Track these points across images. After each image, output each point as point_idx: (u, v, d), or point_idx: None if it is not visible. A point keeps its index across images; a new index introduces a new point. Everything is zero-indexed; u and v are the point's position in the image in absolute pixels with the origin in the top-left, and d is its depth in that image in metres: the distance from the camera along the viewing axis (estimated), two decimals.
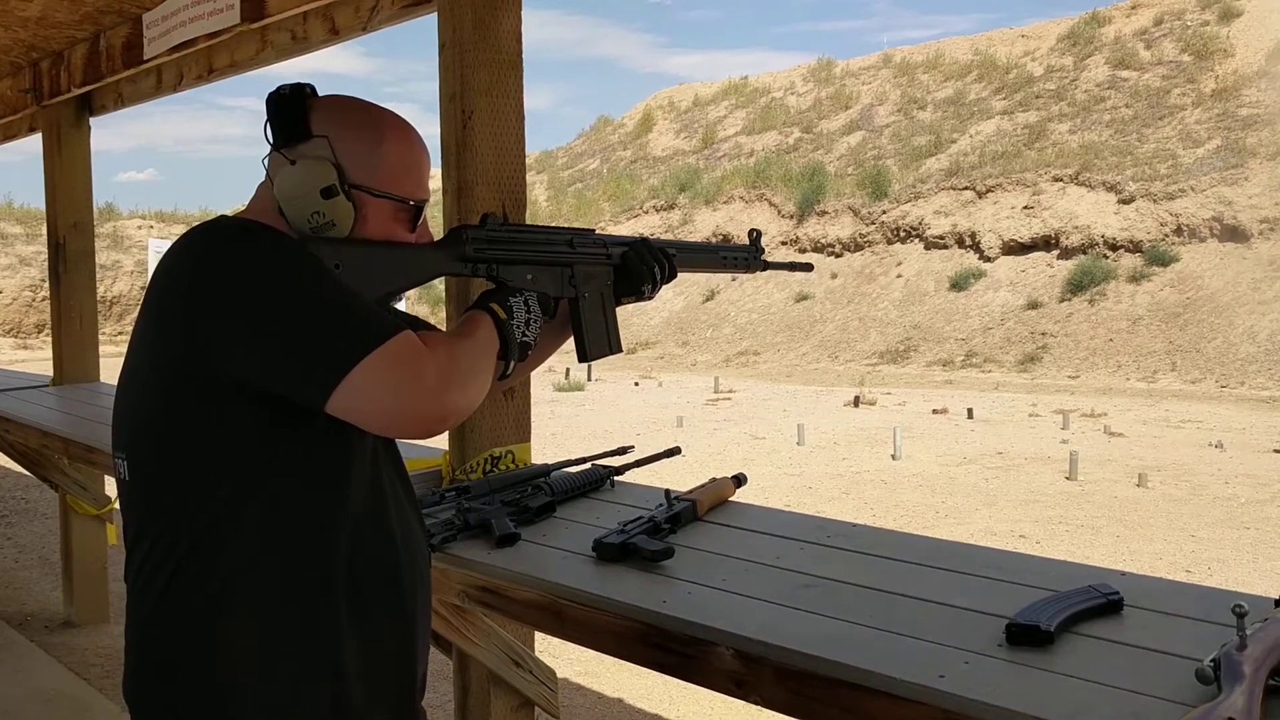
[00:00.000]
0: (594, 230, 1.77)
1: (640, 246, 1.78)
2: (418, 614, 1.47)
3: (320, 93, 1.44)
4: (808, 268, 2.23)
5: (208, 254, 1.29)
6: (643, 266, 1.76)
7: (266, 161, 1.41)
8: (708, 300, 22.89)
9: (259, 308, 1.24)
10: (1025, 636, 1.42)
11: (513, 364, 1.52)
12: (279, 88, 1.41)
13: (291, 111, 1.39)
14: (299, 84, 1.42)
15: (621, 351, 1.79)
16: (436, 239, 1.55)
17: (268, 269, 1.26)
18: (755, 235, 2.05)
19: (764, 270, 2.06)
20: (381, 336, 1.24)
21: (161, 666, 1.34)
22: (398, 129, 1.45)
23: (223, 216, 1.38)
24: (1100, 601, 1.51)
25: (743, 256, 2.01)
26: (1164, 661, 1.35)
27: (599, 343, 1.74)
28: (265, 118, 1.40)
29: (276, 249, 1.29)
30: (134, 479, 1.34)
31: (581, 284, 1.71)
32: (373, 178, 1.40)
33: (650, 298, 1.77)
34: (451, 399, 1.30)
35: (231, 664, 1.30)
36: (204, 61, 3.79)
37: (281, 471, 1.30)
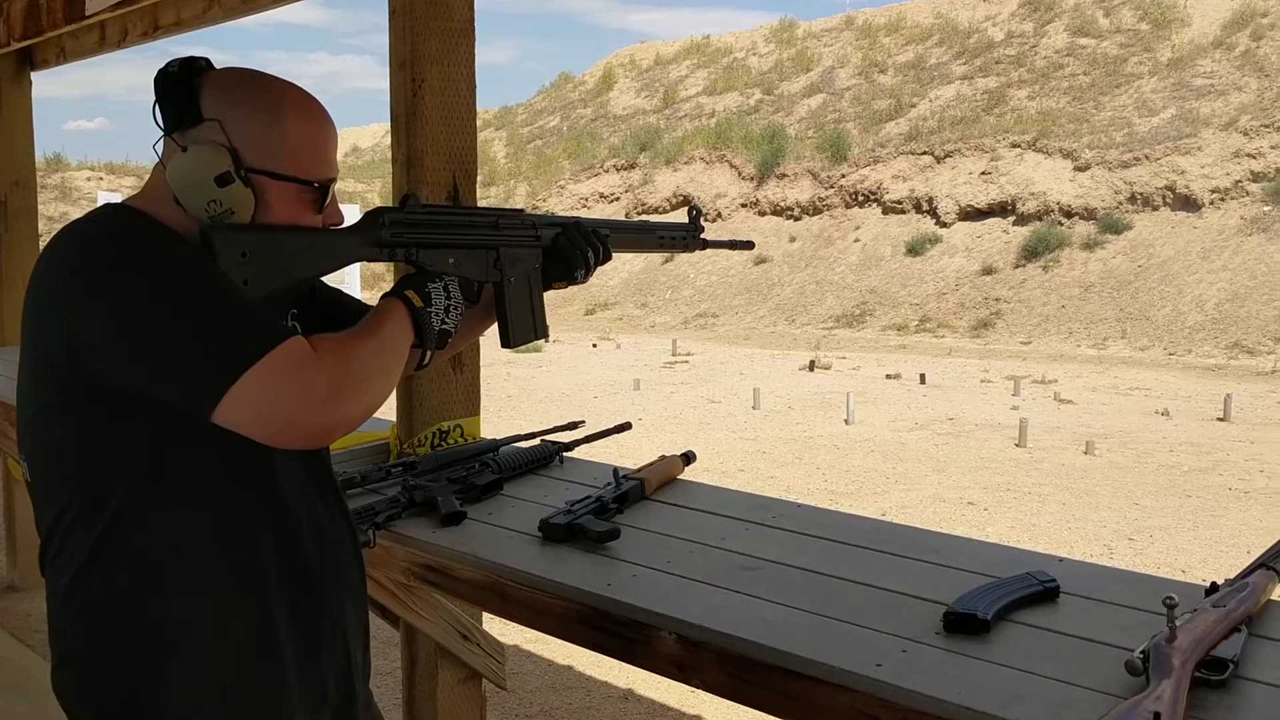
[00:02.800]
0: (523, 210, 1.72)
1: (572, 230, 1.72)
2: (331, 603, 1.45)
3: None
4: (748, 245, 2.18)
5: (84, 258, 1.24)
6: (575, 251, 1.70)
7: (159, 147, 1.34)
8: (667, 262, 22.85)
9: (137, 317, 1.20)
10: (962, 625, 1.44)
11: (430, 353, 1.48)
12: (168, 64, 1.33)
13: (181, 92, 1.31)
14: (189, 59, 1.34)
15: (547, 338, 1.76)
16: (351, 220, 1.48)
17: (146, 275, 1.21)
18: (695, 214, 2.00)
19: (703, 249, 2.01)
20: (265, 347, 1.19)
21: (74, 659, 1.33)
22: (298, 106, 1.37)
23: (106, 206, 1.33)
24: (1037, 589, 1.53)
25: (681, 235, 1.97)
26: (1096, 651, 1.38)
27: (524, 329, 1.69)
28: (154, 99, 1.32)
29: (156, 252, 1.24)
30: (34, 480, 1.34)
31: (507, 267, 1.64)
32: (273, 160, 1.33)
33: (584, 281, 1.73)
34: (341, 409, 1.25)
35: (137, 658, 1.30)
36: (149, 18, 3.70)
37: (175, 471, 1.28)
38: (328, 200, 1.41)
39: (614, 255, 1.80)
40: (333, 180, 1.41)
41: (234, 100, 1.33)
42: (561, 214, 1.84)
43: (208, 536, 1.31)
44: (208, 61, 1.36)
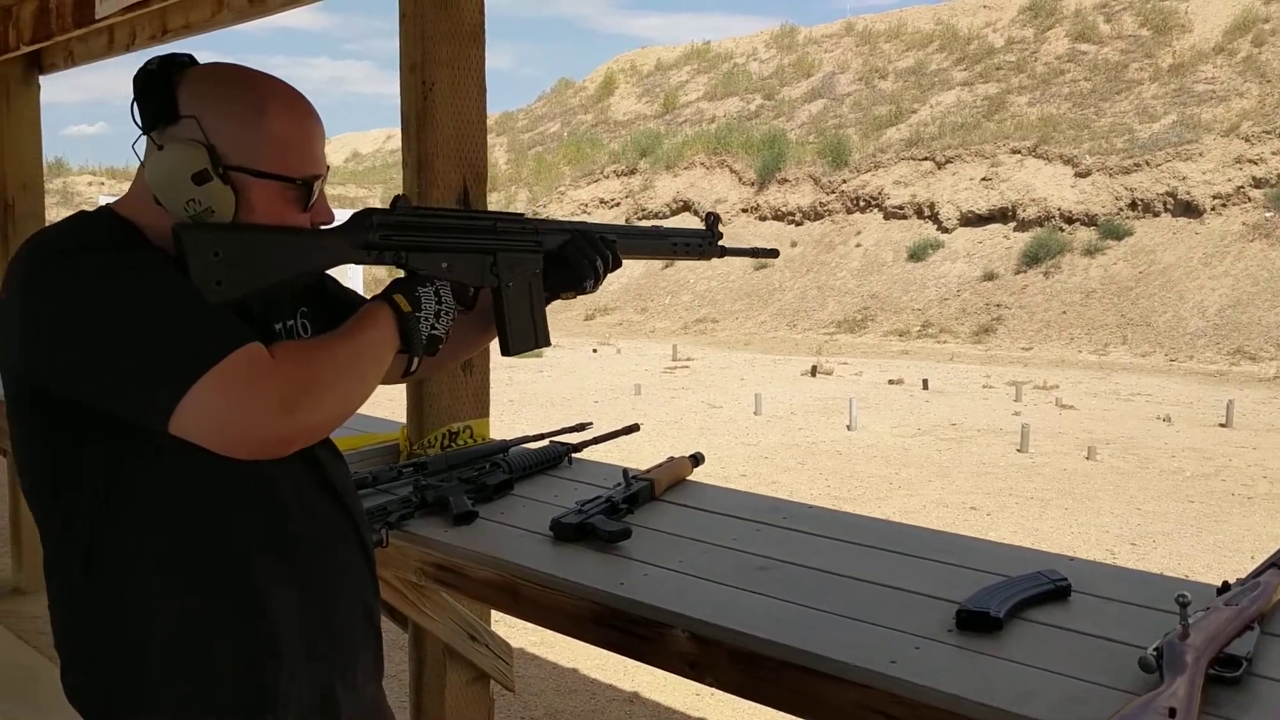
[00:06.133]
0: (524, 215, 1.65)
1: (579, 238, 1.66)
2: (335, 605, 1.43)
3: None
4: (773, 253, 2.10)
5: (30, 284, 1.22)
6: (583, 259, 1.65)
7: (140, 147, 1.31)
8: (667, 267, 22.88)
9: (87, 339, 1.18)
10: (975, 622, 1.44)
11: (417, 360, 1.43)
12: (147, 62, 1.31)
13: (159, 90, 1.28)
14: (170, 57, 1.32)
15: (549, 345, 1.68)
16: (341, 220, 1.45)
17: (92, 296, 1.19)
18: (712, 220, 1.93)
19: (720, 257, 1.93)
20: (215, 356, 1.16)
21: (75, 663, 1.35)
22: (280, 101, 1.33)
23: (80, 212, 1.31)
24: (1048, 588, 1.54)
25: (696, 242, 1.89)
26: (1108, 649, 1.38)
27: (523, 336, 1.62)
28: (132, 97, 1.29)
29: (100, 271, 1.21)
30: (28, 497, 1.35)
31: (505, 273, 1.58)
32: (253, 157, 1.30)
33: (593, 290, 1.68)
34: (296, 419, 1.20)
35: (130, 661, 1.31)
36: (158, 22, 3.71)
37: (146, 477, 1.27)
38: (314, 198, 1.37)
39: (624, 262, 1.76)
40: (318, 177, 1.37)
41: (212, 96, 1.30)
42: (563, 219, 1.77)
43: (191, 539, 1.30)
44: (190, 58, 1.33)
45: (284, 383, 1.19)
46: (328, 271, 1.57)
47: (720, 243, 1.93)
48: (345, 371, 1.28)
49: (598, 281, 1.67)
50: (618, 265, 1.70)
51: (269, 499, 1.36)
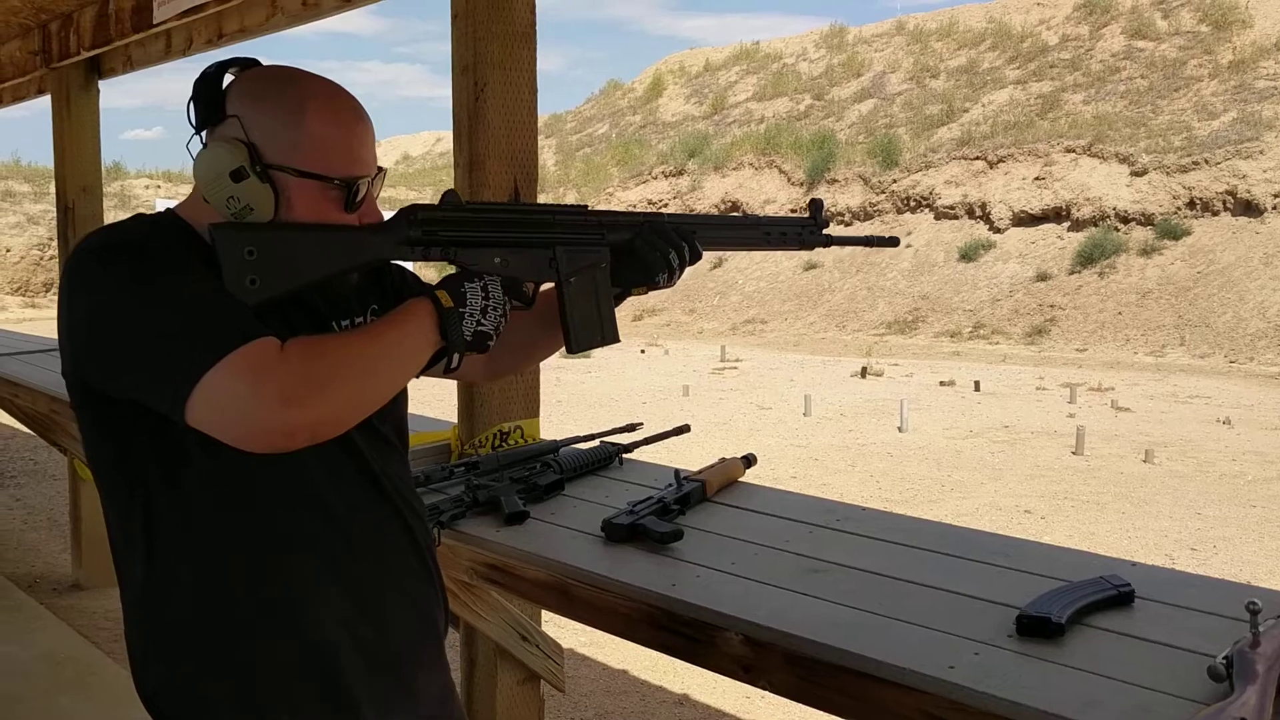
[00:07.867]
0: (586, 206, 1.57)
1: (648, 230, 1.56)
2: (385, 603, 1.43)
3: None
4: (892, 242, 1.88)
5: (72, 282, 1.26)
6: (652, 251, 1.55)
7: (193, 146, 1.34)
8: (715, 268, 22.84)
9: (115, 336, 1.22)
10: (1036, 628, 1.41)
11: (457, 356, 1.38)
12: (208, 66, 1.33)
13: (210, 91, 1.32)
14: (228, 61, 1.34)
15: (617, 341, 1.59)
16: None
17: (120, 294, 1.22)
18: (817, 205, 1.76)
19: (825, 246, 1.75)
20: (223, 349, 1.17)
21: (132, 652, 1.38)
22: (322, 100, 1.33)
23: (137, 215, 1.35)
24: (1111, 594, 1.50)
25: (795, 231, 1.71)
26: (1175, 656, 1.35)
27: (587, 332, 1.55)
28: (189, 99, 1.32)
29: (129, 269, 1.24)
30: (98, 488, 1.38)
31: (567, 267, 1.51)
32: (292, 156, 1.30)
33: (669, 285, 1.58)
34: (300, 412, 1.18)
35: (178, 656, 1.33)
36: (214, 26, 3.76)
37: (186, 469, 1.29)
38: (360, 198, 1.36)
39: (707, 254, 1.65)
40: (361, 178, 1.36)
41: (255, 96, 1.32)
42: (636, 210, 1.69)
43: (234, 535, 1.31)
44: (252, 62, 1.35)
45: (286, 375, 1.18)
46: (405, 267, 1.58)
47: (825, 232, 1.75)
48: (360, 368, 1.26)
49: (673, 275, 1.57)
50: (697, 258, 1.60)
51: (302, 494, 1.35)
